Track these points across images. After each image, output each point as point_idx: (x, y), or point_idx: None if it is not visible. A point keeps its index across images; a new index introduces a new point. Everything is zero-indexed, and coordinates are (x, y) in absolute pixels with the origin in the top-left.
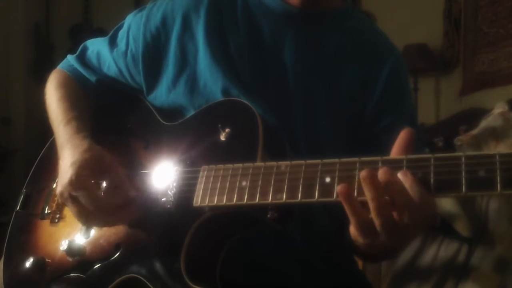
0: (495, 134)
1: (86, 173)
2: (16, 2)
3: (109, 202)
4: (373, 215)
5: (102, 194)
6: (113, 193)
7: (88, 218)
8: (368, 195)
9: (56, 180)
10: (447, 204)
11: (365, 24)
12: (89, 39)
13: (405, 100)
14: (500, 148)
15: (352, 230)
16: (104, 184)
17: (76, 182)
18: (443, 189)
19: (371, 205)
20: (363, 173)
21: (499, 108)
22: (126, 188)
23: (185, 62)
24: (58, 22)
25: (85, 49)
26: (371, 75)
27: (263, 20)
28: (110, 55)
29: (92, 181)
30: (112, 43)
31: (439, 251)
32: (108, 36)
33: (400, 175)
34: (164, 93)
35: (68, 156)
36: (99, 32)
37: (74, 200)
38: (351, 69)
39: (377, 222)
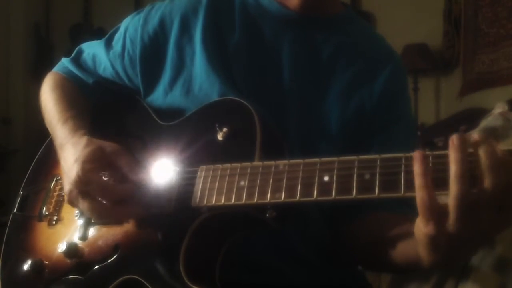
0: (495, 134)
1: (91, 166)
2: (16, 2)
3: (120, 189)
4: (452, 190)
5: (112, 183)
6: (122, 179)
7: (101, 212)
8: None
9: (54, 181)
10: None
11: (364, 29)
12: (89, 39)
13: (403, 107)
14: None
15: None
16: (112, 173)
17: (84, 176)
18: (441, 185)
19: (454, 171)
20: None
21: (499, 108)
22: (133, 172)
23: (182, 64)
24: (58, 22)
25: (80, 52)
26: (369, 80)
27: (261, 23)
28: (106, 57)
29: (100, 173)
30: (108, 45)
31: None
32: (104, 39)
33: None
34: (161, 96)
35: (70, 155)
36: (99, 32)
37: (85, 195)
38: (348, 74)
39: (453, 203)
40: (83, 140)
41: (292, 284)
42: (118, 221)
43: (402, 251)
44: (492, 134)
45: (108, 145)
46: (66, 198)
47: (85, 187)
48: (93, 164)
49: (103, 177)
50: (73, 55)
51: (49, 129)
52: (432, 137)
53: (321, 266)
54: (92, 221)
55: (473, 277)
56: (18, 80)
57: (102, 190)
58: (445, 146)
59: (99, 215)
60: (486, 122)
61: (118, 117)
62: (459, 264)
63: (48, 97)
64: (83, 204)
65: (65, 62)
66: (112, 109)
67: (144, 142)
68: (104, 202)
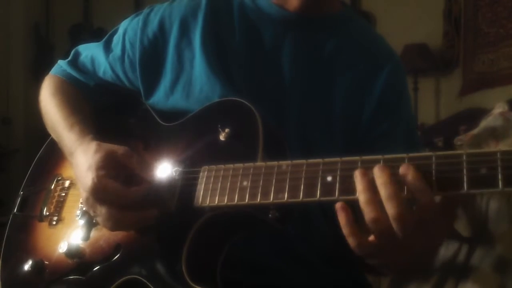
0: (495, 134)
1: (105, 172)
2: (16, 2)
3: (135, 192)
4: (367, 215)
5: (127, 186)
6: (136, 181)
7: (118, 219)
8: (362, 192)
9: (54, 181)
10: None
11: (364, 28)
12: (89, 39)
13: (403, 105)
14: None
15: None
16: (126, 175)
17: (99, 183)
18: (445, 187)
19: (364, 202)
20: (358, 171)
21: (499, 108)
22: (146, 171)
23: (181, 68)
24: (58, 22)
25: (77, 54)
26: (369, 80)
27: (261, 25)
28: (106, 60)
29: (114, 178)
30: (107, 48)
31: (439, 251)
32: (102, 41)
33: (401, 169)
34: (162, 98)
35: (81, 163)
36: (99, 32)
37: (102, 202)
38: (348, 74)
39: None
40: (92, 146)
41: (292, 285)
42: (136, 227)
43: None
44: (492, 134)
45: (118, 148)
46: (84, 206)
47: (102, 194)
48: (107, 169)
49: (117, 182)
50: (70, 57)
51: (53, 135)
52: (432, 137)
53: (321, 267)
54: (94, 221)
55: (473, 277)
56: (18, 80)
57: (117, 194)
58: (445, 146)
59: (116, 222)
60: (486, 122)
61: (120, 119)
62: (459, 264)
63: (50, 103)
64: (100, 210)
65: (62, 64)
66: (115, 111)
67: (147, 143)
68: (120, 207)
